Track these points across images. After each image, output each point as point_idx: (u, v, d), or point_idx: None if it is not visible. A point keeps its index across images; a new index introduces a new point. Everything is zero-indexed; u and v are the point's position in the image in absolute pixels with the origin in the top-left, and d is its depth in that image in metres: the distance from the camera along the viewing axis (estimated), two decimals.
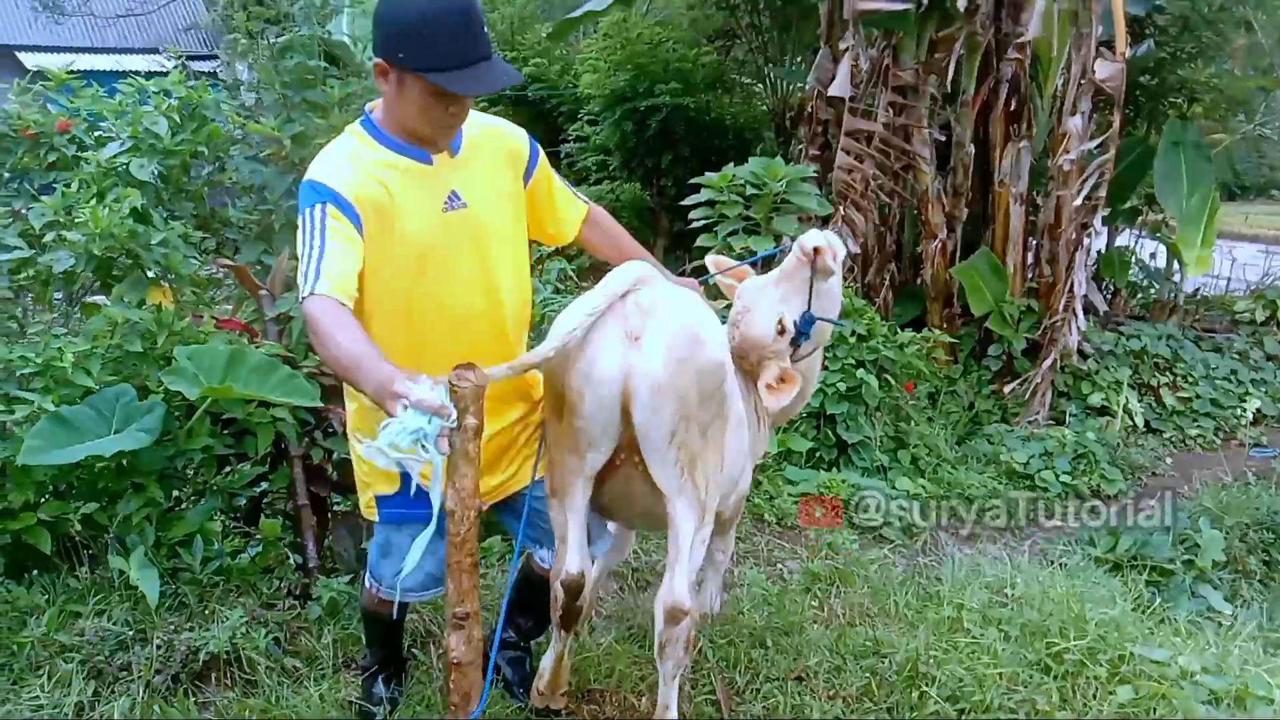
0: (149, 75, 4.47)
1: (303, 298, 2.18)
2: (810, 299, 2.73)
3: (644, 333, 2.35)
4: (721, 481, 2.66)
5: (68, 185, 3.78)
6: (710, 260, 3.12)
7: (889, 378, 5.48)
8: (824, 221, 6.12)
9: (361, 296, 2.29)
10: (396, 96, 2.27)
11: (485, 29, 2.26)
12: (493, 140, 2.52)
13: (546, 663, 2.88)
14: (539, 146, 2.64)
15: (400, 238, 2.33)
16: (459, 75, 2.19)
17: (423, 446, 1.96)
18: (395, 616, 2.90)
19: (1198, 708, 2.93)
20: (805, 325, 2.74)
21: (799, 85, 8.85)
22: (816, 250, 2.63)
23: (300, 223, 2.26)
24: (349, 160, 2.31)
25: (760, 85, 10.03)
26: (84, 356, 3.30)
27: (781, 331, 2.75)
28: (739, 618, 3.55)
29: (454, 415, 1.99)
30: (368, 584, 2.81)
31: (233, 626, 3.07)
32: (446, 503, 2.13)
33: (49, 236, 3.69)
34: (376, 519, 2.68)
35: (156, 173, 3.95)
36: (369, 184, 2.29)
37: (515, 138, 2.58)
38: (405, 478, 2.51)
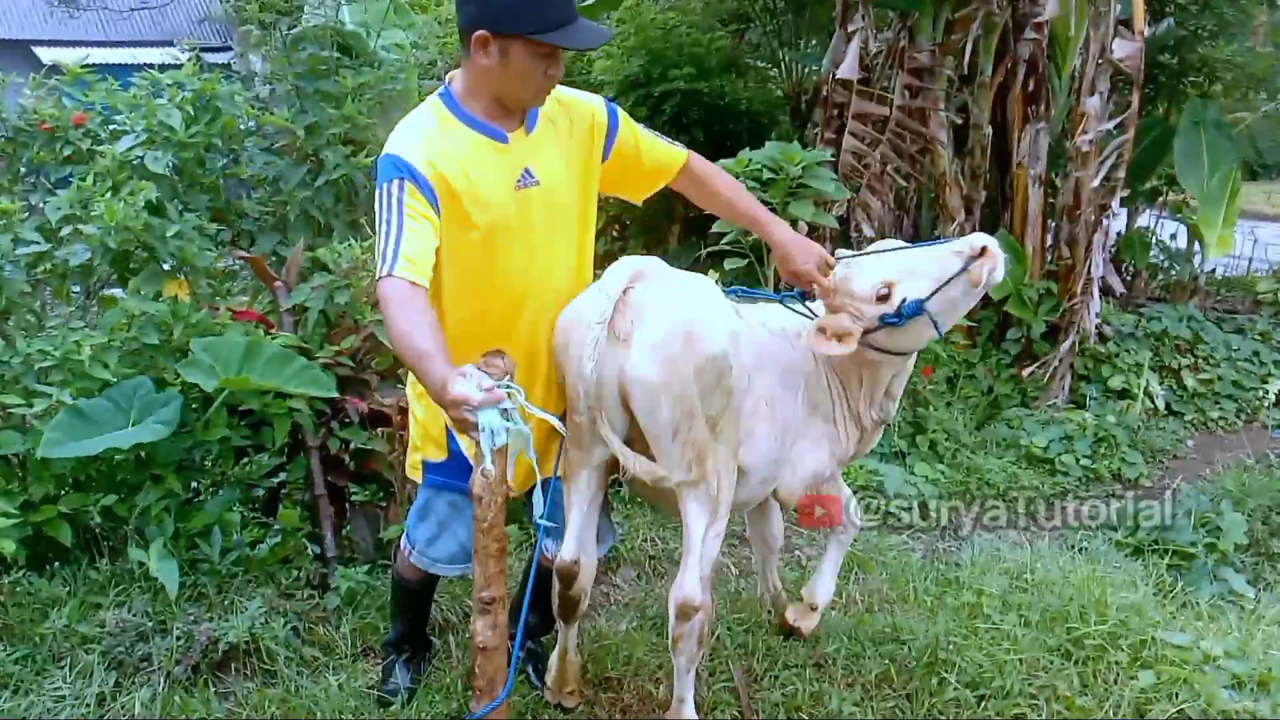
0: (163, 68, 4.47)
1: (379, 277, 2.22)
2: (936, 291, 2.48)
3: (633, 333, 2.32)
4: (758, 464, 2.61)
5: (83, 179, 3.80)
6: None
7: None
8: (832, 206, 6.07)
9: (436, 273, 2.33)
10: (498, 67, 2.30)
11: None
12: (570, 112, 2.53)
13: (553, 658, 2.90)
14: (618, 110, 2.63)
15: (473, 216, 2.36)
16: (568, 32, 2.28)
17: (506, 430, 2.06)
18: (422, 586, 2.96)
19: (1220, 692, 2.90)
20: (909, 310, 2.47)
21: (814, 68, 8.79)
22: (984, 250, 2.43)
23: (378, 197, 2.30)
24: (427, 135, 2.35)
25: (775, 69, 9.96)
26: (101, 349, 3.33)
27: (883, 298, 2.50)
28: (758, 605, 3.54)
29: (506, 394, 2.05)
30: (402, 545, 2.86)
31: (252, 617, 3.09)
32: (474, 488, 2.15)
33: (65, 230, 3.71)
34: (421, 481, 2.75)
35: (171, 165, 3.97)
36: (446, 161, 2.32)
37: (595, 108, 2.58)
38: (454, 449, 2.60)
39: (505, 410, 2.04)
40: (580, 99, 2.58)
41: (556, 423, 2.29)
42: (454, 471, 2.62)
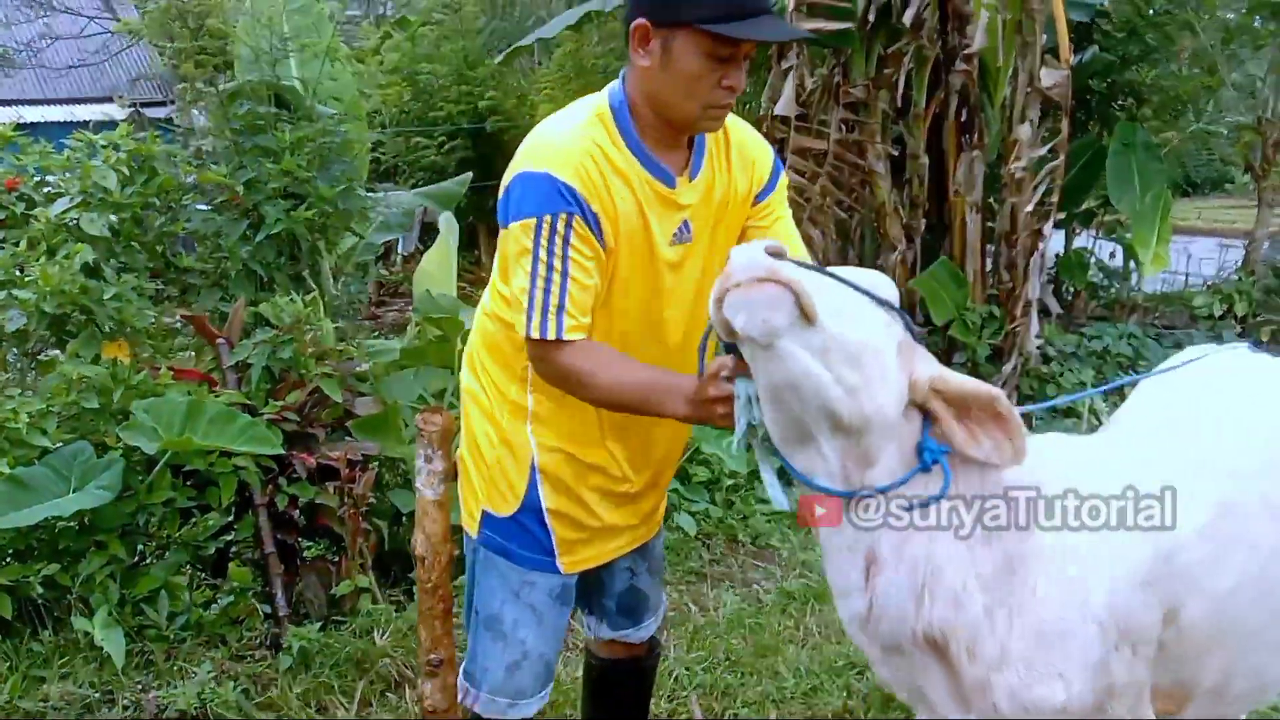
0: (99, 127, 4.44)
1: (539, 338, 1.85)
2: None
3: None
4: None
5: (17, 243, 3.76)
6: None
7: None
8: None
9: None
10: (659, 68, 1.84)
11: None
12: (741, 153, 2.07)
13: None
14: (782, 174, 2.17)
15: (626, 267, 1.96)
16: (750, 24, 1.78)
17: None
18: None
19: None
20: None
21: (755, 104, 8.93)
22: None
23: (534, 228, 1.83)
24: (593, 156, 1.88)
25: None
26: (39, 416, 3.27)
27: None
28: (715, 643, 3.54)
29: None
30: (462, 687, 2.20)
31: (201, 682, 3.04)
32: (416, 548, 2.11)
33: (0, 296, 3.65)
34: (475, 537, 2.14)
35: (108, 226, 3.93)
36: (619, 194, 1.90)
37: (765, 156, 2.11)
38: (530, 499, 2.06)
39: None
40: (755, 140, 2.12)
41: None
42: (514, 534, 2.08)
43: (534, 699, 2.15)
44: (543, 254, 1.83)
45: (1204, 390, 2.04)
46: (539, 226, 1.83)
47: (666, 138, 1.94)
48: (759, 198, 2.10)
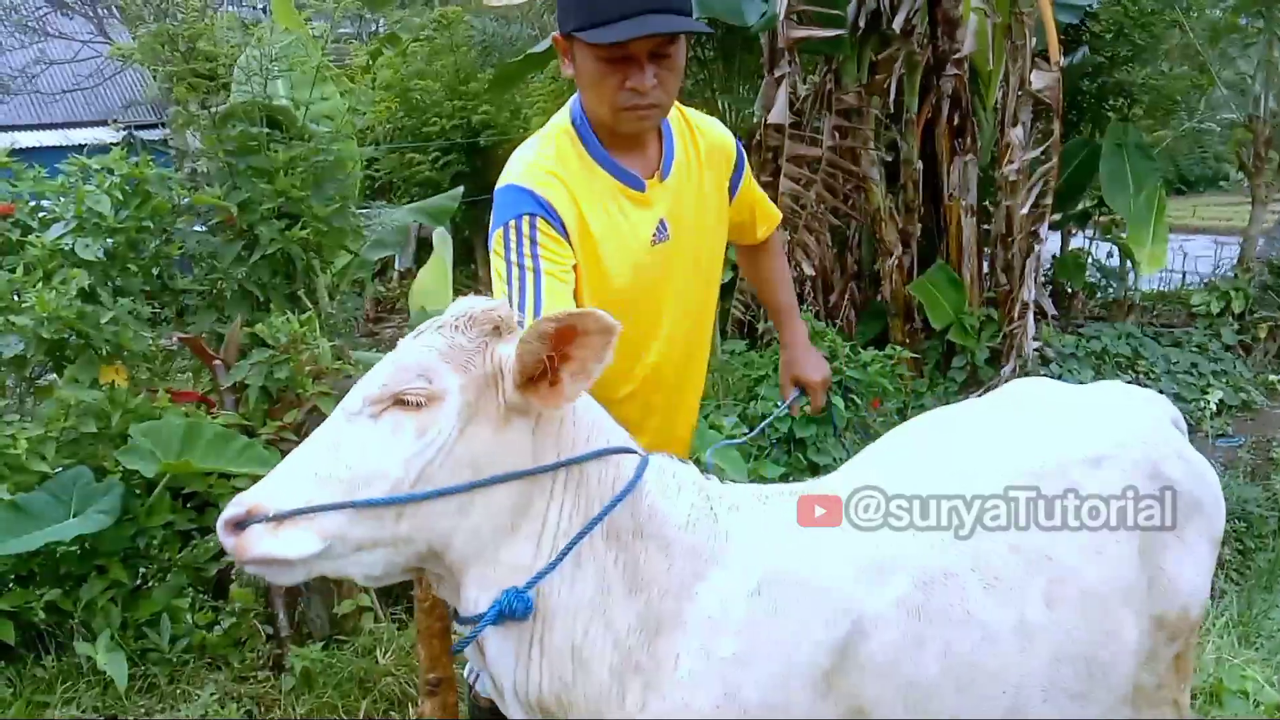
0: (92, 152, 4.44)
1: None
2: None
3: None
4: None
5: (13, 270, 3.75)
6: None
7: (855, 398, 5.51)
8: None
9: None
10: (578, 77, 1.95)
11: None
12: (708, 143, 2.16)
13: None
14: (745, 156, 2.29)
15: (605, 275, 1.99)
16: (613, 28, 1.81)
17: None
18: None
19: None
20: None
21: (750, 112, 8.96)
22: None
23: (502, 237, 1.89)
24: (551, 168, 1.95)
25: (712, 115, 10.14)
26: (38, 441, 3.27)
27: None
28: None
29: None
30: (467, 676, 2.37)
31: (205, 704, 3.03)
32: None
33: None
34: None
35: (103, 251, 3.92)
36: (587, 202, 1.95)
37: (728, 139, 2.21)
38: None
39: None
40: (715, 128, 2.20)
41: None
42: None
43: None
44: (513, 257, 1.87)
45: (957, 428, 1.89)
46: (506, 234, 1.89)
47: (623, 142, 2.00)
48: (734, 188, 2.23)
